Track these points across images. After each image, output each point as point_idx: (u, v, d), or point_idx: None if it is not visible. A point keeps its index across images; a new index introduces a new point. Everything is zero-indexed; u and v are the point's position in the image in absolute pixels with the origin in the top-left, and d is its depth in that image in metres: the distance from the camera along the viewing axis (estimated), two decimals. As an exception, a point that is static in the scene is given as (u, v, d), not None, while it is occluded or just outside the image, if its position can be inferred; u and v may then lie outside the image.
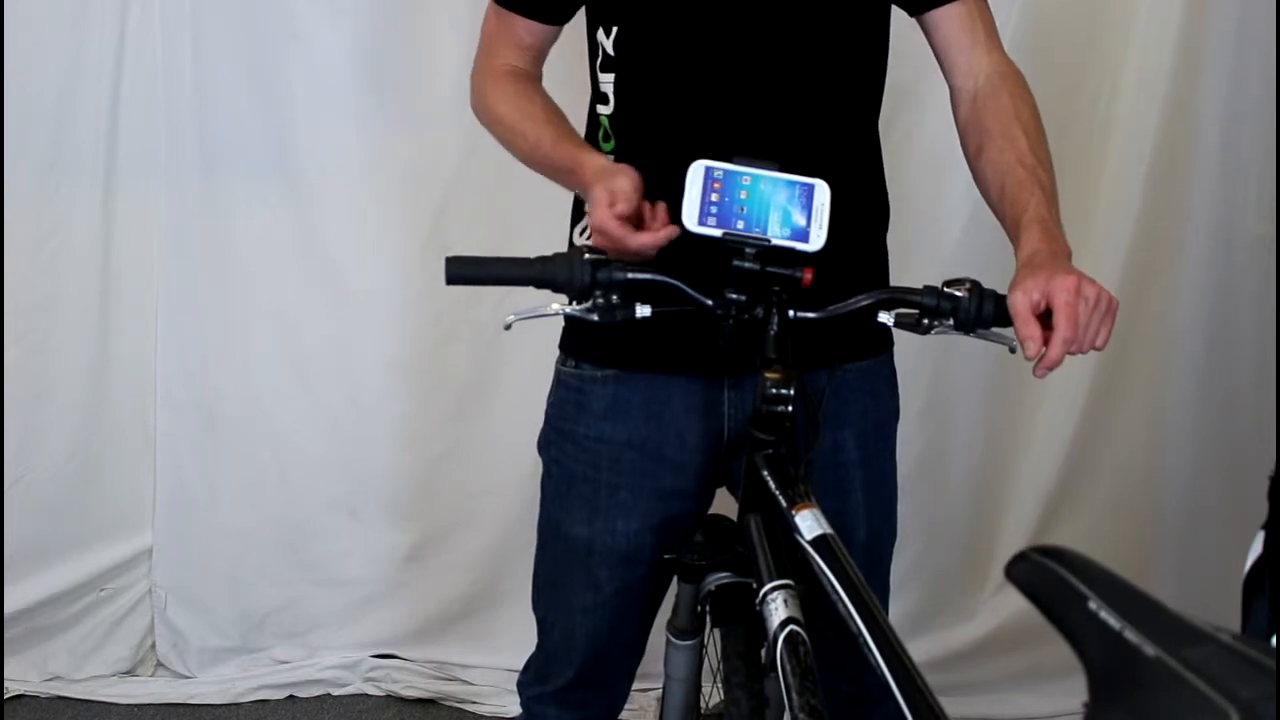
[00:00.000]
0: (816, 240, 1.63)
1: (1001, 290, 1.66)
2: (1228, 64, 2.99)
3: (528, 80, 2.07)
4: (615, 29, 1.92)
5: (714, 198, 1.63)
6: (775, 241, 1.63)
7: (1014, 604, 3.30)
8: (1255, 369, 3.08)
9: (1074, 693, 2.89)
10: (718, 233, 1.63)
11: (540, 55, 2.10)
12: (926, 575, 3.27)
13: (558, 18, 2.04)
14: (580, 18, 2.04)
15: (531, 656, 2.26)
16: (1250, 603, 1.51)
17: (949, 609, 3.33)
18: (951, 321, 1.66)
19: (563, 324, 2.04)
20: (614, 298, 1.65)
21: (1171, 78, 2.99)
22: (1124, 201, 3.06)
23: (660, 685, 2.46)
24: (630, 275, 1.65)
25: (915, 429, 3.12)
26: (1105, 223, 3.05)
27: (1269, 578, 1.47)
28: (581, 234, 2.01)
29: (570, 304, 1.68)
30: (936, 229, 3.07)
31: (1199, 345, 3.15)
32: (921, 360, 3.05)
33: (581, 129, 2.04)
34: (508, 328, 1.67)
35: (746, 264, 1.63)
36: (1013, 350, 1.70)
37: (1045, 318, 1.59)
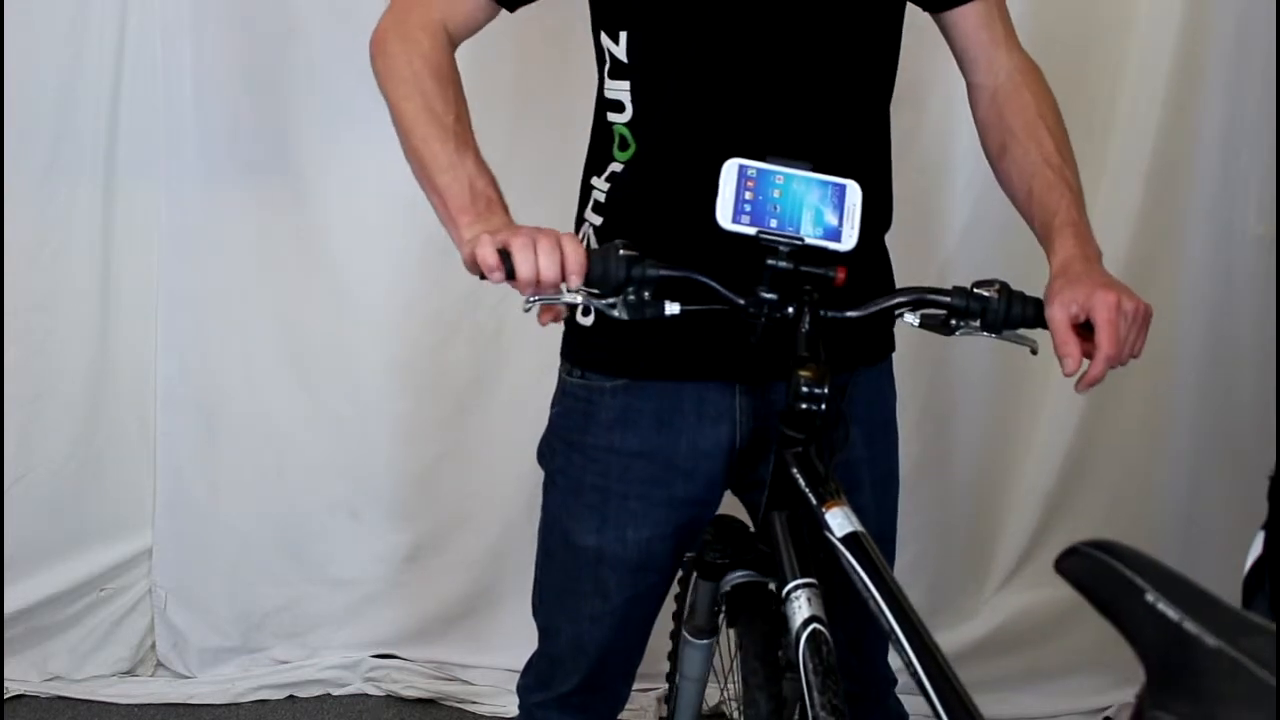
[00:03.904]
0: (849, 240, 1.63)
1: (1030, 291, 1.68)
2: (1228, 64, 3.00)
3: (454, 68, 1.91)
4: (624, 34, 1.89)
5: (748, 196, 1.62)
6: (809, 241, 1.63)
7: (1014, 604, 3.32)
8: (1255, 369, 3.09)
9: (1074, 693, 2.92)
10: (751, 231, 1.63)
11: (471, 30, 1.96)
12: (926, 575, 3.27)
13: (509, 1, 1.93)
14: (579, 24, 2.00)
15: (531, 662, 2.25)
16: (1250, 602, 1.52)
17: (949, 609, 3.33)
18: (978, 322, 1.68)
19: (562, 329, 2.03)
20: (645, 294, 1.65)
21: (1171, 78, 3.00)
22: (1124, 201, 3.06)
23: (660, 685, 2.47)
24: (664, 272, 1.65)
25: (915, 429, 3.12)
26: (1105, 223, 3.04)
27: (1269, 578, 1.48)
28: (580, 241, 2.00)
29: (585, 294, 1.67)
30: (936, 229, 3.07)
31: (1199, 345, 3.16)
32: (922, 360, 3.05)
33: (586, 137, 2.04)
34: (527, 310, 1.66)
35: (781, 263, 1.63)
36: (1034, 351, 1.72)
37: (1079, 330, 1.62)
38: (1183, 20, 2.97)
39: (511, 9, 1.95)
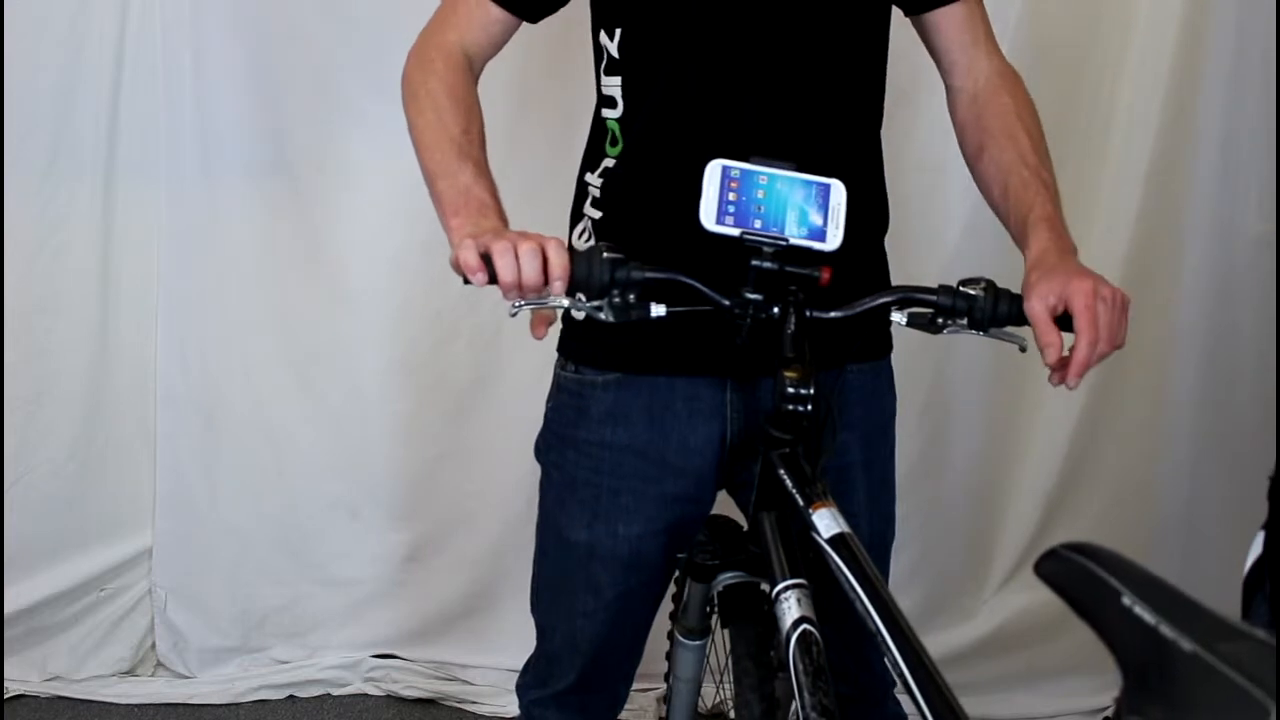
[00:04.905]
0: (833, 240, 1.63)
1: (1016, 289, 1.68)
2: (1228, 64, 3.00)
3: (473, 84, 1.97)
4: (619, 31, 1.91)
5: (731, 197, 1.62)
6: (793, 241, 1.63)
7: (1014, 604, 3.32)
8: (1255, 369, 3.08)
9: (1074, 693, 2.90)
10: (735, 232, 1.63)
11: (495, 47, 2.01)
12: (926, 575, 3.27)
13: (531, 14, 1.98)
14: (580, 23, 2.01)
15: (530, 660, 2.26)
16: (1250, 602, 1.52)
17: (949, 609, 3.33)
18: (965, 320, 1.67)
19: (560, 326, 2.04)
20: (631, 297, 1.65)
21: (1171, 78, 2.99)
22: (1124, 201, 3.06)
23: (659, 685, 2.46)
24: (649, 274, 1.64)
25: (915, 429, 3.12)
26: (1105, 223, 3.05)
27: (1269, 578, 1.47)
28: (580, 236, 2.01)
29: (577, 297, 1.66)
30: (935, 230, 3.07)
31: (1199, 345, 3.16)
32: (921, 360, 3.05)
33: (584, 134, 2.05)
34: (514, 315, 1.66)
35: (765, 263, 1.63)
36: (1023, 349, 1.71)
37: (1059, 321, 1.61)
38: (1183, 20, 2.96)
39: (534, 20, 1.99)
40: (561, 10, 1.98)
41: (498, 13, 1.95)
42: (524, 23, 1.99)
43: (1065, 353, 1.63)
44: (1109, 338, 1.62)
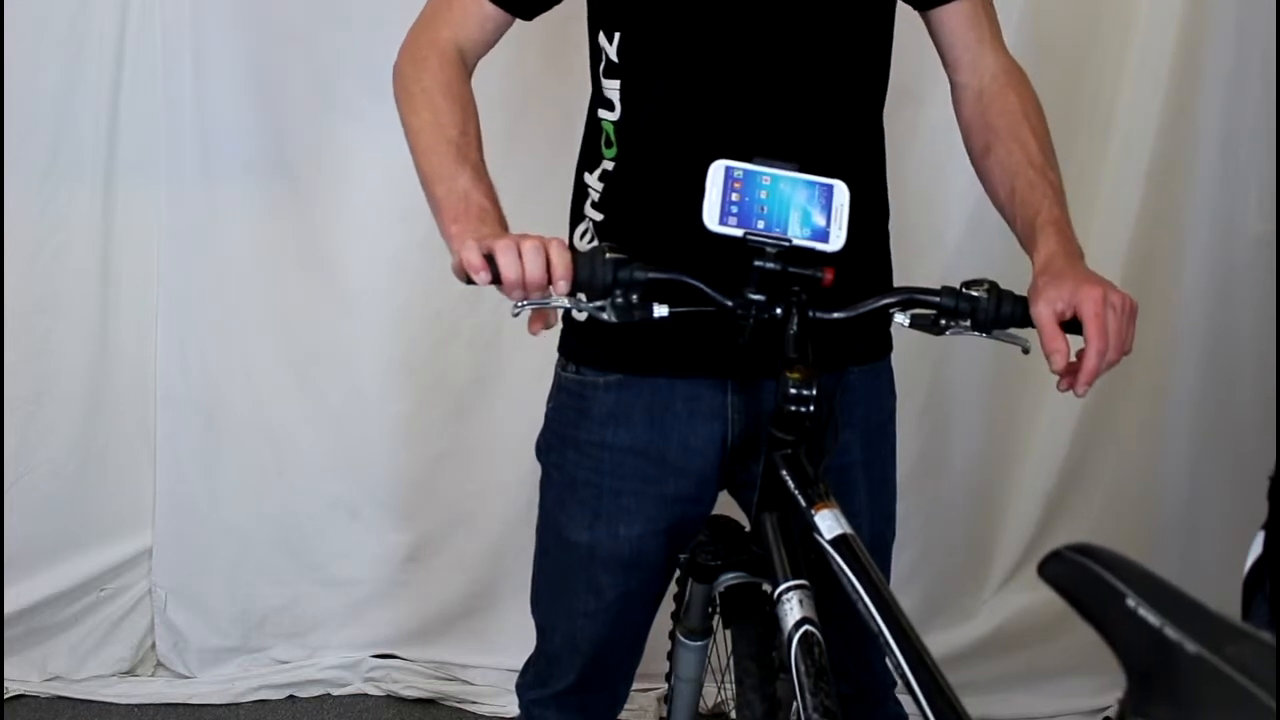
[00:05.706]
0: (836, 240, 1.63)
1: (1018, 290, 1.67)
2: (1228, 64, 3.00)
3: (468, 82, 1.96)
4: (618, 35, 1.90)
5: (734, 197, 1.62)
6: (796, 242, 1.63)
7: (1014, 604, 3.32)
8: (1255, 369, 3.08)
9: (1074, 693, 2.90)
10: (739, 232, 1.62)
11: (488, 44, 2.00)
12: (926, 575, 3.27)
13: (525, 11, 1.97)
14: (580, 20, 2.01)
15: (530, 659, 2.26)
16: (1250, 602, 1.52)
17: (949, 609, 3.33)
18: (969, 322, 1.67)
19: (560, 326, 2.03)
20: (634, 297, 1.65)
21: (1171, 78, 2.99)
22: (1124, 201, 3.06)
23: (660, 685, 2.46)
24: (651, 275, 1.64)
25: (915, 429, 3.12)
26: (1105, 223, 3.05)
27: (1269, 578, 1.47)
28: (581, 237, 2.01)
29: (578, 297, 1.66)
30: (937, 229, 3.06)
31: (1199, 345, 3.16)
32: (921, 360, 3.05)
33: (579, 132, 2.05)
34: (516, 315, 1.66)
35: (768, 264, 1.63)
36: (1026, 351, 1.71)
37: (1065, 326, 1.61)
38: (1183, 20, 2.96)
39: (528, 17, 1.98)
40: (559, 7, 1.98)
41: (492, 9, 1.94)
42: (519, 20, 1.98)
43: (1072, 358, 1.63)
44: (1118, 345, 1.62)
